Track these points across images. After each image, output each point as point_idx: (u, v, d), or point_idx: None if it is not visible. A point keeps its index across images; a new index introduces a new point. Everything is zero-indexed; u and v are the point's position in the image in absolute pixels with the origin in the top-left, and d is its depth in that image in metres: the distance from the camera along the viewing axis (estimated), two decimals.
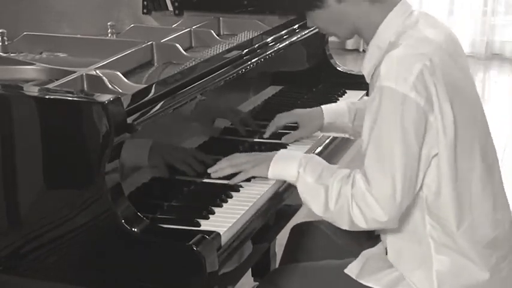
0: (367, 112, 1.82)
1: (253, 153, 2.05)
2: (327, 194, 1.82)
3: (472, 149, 1.86)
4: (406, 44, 1.80)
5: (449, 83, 1.79)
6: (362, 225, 1.80)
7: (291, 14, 2.38)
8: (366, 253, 1.99)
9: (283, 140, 2.29)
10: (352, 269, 1.95)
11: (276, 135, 2.32)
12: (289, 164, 1.92)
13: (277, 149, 2.08)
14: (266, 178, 1.97)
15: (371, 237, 2.08)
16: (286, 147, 2.27)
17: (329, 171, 1.87)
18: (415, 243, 1.88)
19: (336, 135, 2.39)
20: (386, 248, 1.95)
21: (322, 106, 2.35)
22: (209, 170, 1.98)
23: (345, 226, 1.84)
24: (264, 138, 2.31)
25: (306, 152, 2.25)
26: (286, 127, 2.34)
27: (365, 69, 1.93)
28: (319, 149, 2.33)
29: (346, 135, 2.38)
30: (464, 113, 1.82)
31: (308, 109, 2.35)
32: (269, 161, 1.94)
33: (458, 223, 1.83)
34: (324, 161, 1.94)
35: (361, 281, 1.91)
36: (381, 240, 2.01)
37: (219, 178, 1.98)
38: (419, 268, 1.88)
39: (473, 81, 1.96)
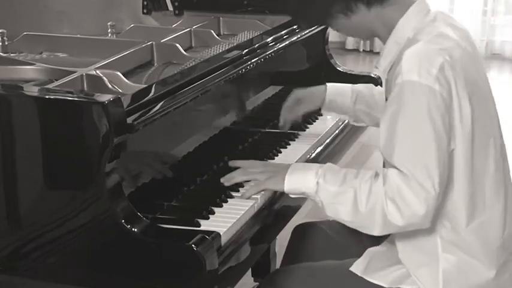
0: (386, 110, 1.80)
1: (267, 162, 2.07)
2: (356, 196, 1.78)
3: (488, 147, 1.86)
4: (426, 39, 1.81)
5: (468, 79, 1.80)
6: (397, 222, 1.75)
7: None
8: (371, 251, 1.99)
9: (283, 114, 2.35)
10: (357, 266, 1.94)
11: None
12: (305, 175, 1.87)
13: (288, 139, 2.18)
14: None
15: (374, 238, 2.08)
16: (293, 140, 2.32)
17: (352, 174, 1.83)
18: (423, 240, 1.87)
19: (336, 115, 2.41)
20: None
21: (327, 83, 2.39)
22: (222, 179, 1.96)
23: (376, 229, 1.79)
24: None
25: (307, 151, 2.27)
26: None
27: (381, 65, 1.92)
28: (320, 148, 2.34)
29: (347, 117, 2.40)
30: (480, 111, 1.83)
31: (311, 87, 2.39)
32: (284, 173, 1.90)
33: (468, 220, 1.83)
34: (343, 168, 1.90)
35: (367, 278, 1.91)
36: (385, 239, 2.02)
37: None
38: (425, 265, 1.87)
39: (489, 84, 1.96)
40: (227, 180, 1.96)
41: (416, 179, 1.73)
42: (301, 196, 1.93)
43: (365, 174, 1.81)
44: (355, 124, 2.42)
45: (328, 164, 1.91)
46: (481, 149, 1.84)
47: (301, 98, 2.36)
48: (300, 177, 1.88)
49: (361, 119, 2.35)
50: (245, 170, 1.97)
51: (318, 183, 1.84)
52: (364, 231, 1.84)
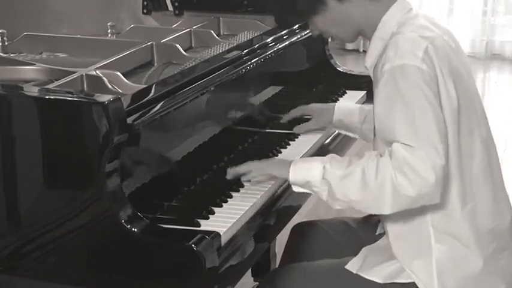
0: (378, 97, 1.84)
1: (268, 159, 2.07)
2: (364, 173, 1.78)
3: (472, 136, 1.88)
4: (409, 29, 1.86)
5: (451, 67, 1.84)
6: (408, 192, 1.74)
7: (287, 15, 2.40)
8: (367, 248, 2.00)
9: (295, 130, 2.39)
10: (353, 265, 1.95)
11: (288, 125, 2.43)
12: (310, 164, 1.88)
13: (288, 139, 2.23)
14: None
15: (372, 236, 2.08)
16: (293, 140, 2.34)
17: (356, 157, 1.85)
18: (415, 230, 1.88)
19: (345, 133, 2.43)
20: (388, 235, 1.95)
21: (336, 103, 2.46)
22: (228, 170, 1.98)
23: (387, 205, 1.77)
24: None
25: (307, 151, 2.28)
26: (301, 120, 2.43)
27: (367, 61, 1.95)
28: (320, 148, 2.35)
29: (356, 136, 2.42)
30: (465, 101, 1.86)
31: (323, 104, 2.47)
32: (288, 165, 1.91)
33: (462, 204, 1.85)
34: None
35: (362, 274, 1.92)
36: (382, 237, 2.02)
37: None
38: (418, 258, 1.88)
39: (474, 79, 1.98)
40: (230, 174, 1.97)
41: (421, 149, 1.75)
42: (304, 190, 1.92)
43: (370, 154, 1.83)
44: (365, 141, 2.44)
45: (331, 154, 1.92)
46: (466, 137, 1.86)
47: (312, 115, 2.41)
48: (305, 165, 1.90)
49: (370, 137, 2.35)
50: (250, 164, 1.98)
51: (324, 167, 1.85)
52: (375, 211, 1.84)
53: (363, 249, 2.00)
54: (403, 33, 1.85)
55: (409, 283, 1.89)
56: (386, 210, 1.79)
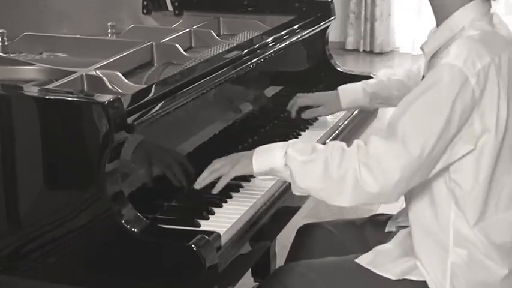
0: (422, 81, 1.83)
1: (230, 155, 2.00)
2: (327, 162, 1.79)
3: None
4: (481, 33, 1.84)
5: (511, 83, 1.82)
6: (371, 189, 1.76)
7: None
8: (378, 248, 1.98)
9: (303, 115, 2.46)
10: (363, 259, 1.94)
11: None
12: (272, 152, 1.87)
13: (287, 139, 2.19)
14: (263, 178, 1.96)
15: (380, 238, 2.07)
16: (296, 138, 2.35)
17: (320, 145, 1.86)
18: (437, 227, 1.87)
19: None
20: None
21: (339, 90, 2.48)
22: (194, 185, 1.93)
23: (346, 196, 1.79)
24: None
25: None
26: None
27: (428, 46, 1.93)
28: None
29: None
30: None
31: (324, 93, 2.53)
32: (250, 156, 1.90)
33: (478, 218, 1.84)
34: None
35: (374, 270, 1.91)
36: (391, 234, 2.01)
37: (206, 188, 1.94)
38: (436, 255, 1.87)
39: None
40: (198, 184, 1.93)
41: (408, 146, 1.75)
42: (270, 176, 1.92)
43: (335, 143, 1.84)
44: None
45: (293, 140, 1.95)
46: (507, 154, 1.84)
47: (319, 104, 2.47)
48: (266, 155, 1.89)
49: (384, 106, 2.47)
50: (211, 168, 1.94)
51: (286, 153, 1.85)
52: (334, 202, 1.83)
53: (374, 248, 1.98)
54: (475, 36, 1.82)
55: (420, 281, 1.89)
56: (344, 202, 1.81)
